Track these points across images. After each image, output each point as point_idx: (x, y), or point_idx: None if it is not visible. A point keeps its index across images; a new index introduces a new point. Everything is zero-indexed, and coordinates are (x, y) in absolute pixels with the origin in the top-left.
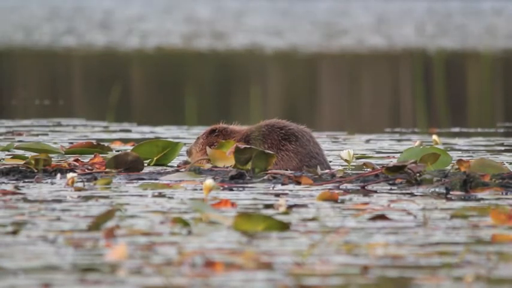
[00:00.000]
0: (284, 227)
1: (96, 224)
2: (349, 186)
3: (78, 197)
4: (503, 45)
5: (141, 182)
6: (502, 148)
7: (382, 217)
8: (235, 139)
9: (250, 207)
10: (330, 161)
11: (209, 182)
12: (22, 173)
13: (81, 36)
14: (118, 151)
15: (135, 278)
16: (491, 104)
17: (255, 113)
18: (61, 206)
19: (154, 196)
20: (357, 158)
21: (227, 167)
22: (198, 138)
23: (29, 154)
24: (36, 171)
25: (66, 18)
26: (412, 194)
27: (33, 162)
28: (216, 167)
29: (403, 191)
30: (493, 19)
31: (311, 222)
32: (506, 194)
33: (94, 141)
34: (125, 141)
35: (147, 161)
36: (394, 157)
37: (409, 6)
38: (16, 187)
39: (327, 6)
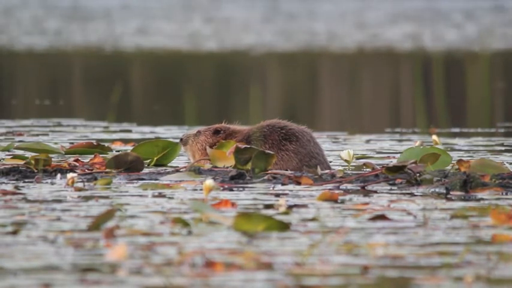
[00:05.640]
0: (284, 227)
1: (96, 224)
2: (349, 186)
3: (78, 197)
4: (503, 44)
5: (141, 182)
6: (502, 148)
7: (382, 217)
8: (236, 139)
9: (250, 207)
10: (330, 161)
11: (209, 182)
12: (22, 173)
13: (81, 35)
14: (118, 151)
15: (135, 278)
16: (491, 104)
17: (255, 113)
18: (61, 206)
19: (154, 196)
20: (357, 158)
21: (227, 167)
22: (199, 132)
23: (29, 154)
24: (36, 171)
25: (66, 17)
26: (412, 194)
27: (33, 162)
28: (216, 167)
29: (403, 191)
30: (492, 18)
31: (311, 222)
32: (506, 194)
33: (94, 142)
34: (125, 141)
35: (147, 161)
36: (394, 157)
37: (410, 5)
38: (16, 187)
39: (327, 7)
